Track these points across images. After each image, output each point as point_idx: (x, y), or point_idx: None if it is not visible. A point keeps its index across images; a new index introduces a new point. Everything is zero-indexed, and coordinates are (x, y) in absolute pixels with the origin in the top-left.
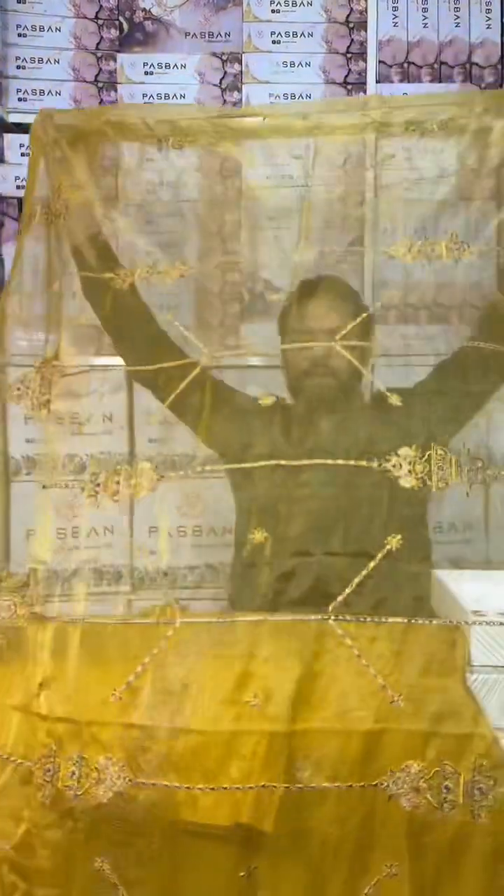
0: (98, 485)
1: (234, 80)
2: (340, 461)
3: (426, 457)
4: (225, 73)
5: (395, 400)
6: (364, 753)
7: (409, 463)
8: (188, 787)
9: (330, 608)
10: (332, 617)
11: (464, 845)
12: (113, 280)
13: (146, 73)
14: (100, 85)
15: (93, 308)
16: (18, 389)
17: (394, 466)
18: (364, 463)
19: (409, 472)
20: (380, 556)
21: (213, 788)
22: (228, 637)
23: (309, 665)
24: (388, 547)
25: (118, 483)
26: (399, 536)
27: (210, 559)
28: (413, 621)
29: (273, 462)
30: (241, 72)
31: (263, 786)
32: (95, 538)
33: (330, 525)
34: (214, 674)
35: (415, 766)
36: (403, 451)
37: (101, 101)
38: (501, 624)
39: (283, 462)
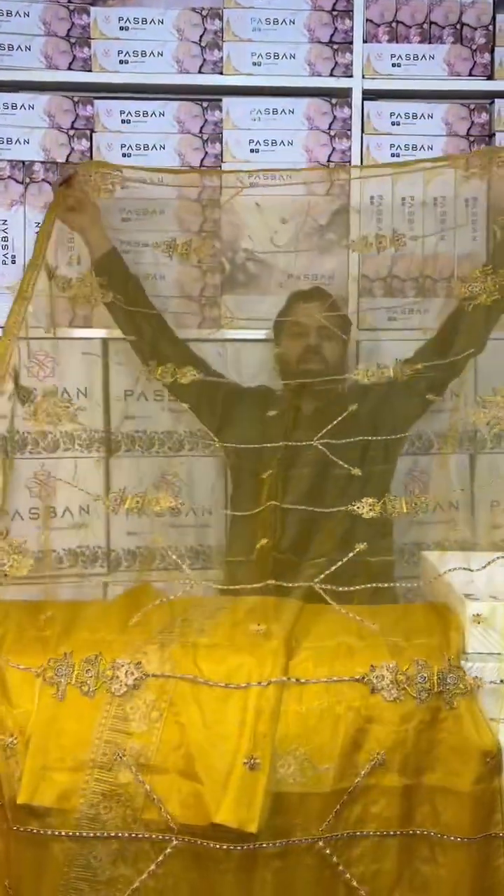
0: None
1: (215, 37)
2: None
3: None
4: (205, 29)
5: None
6: (348, 656)
7: None
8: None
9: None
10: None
11: (439, 730)
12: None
13: (121, 27)
14: (72, 40)
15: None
16: None
17: None
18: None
19: None
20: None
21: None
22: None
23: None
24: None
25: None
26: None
27: (190, 541)
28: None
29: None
30: (222, 28)
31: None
32: (70, 518)
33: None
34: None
35: (394, 662)
36: None
37: (73, 58)
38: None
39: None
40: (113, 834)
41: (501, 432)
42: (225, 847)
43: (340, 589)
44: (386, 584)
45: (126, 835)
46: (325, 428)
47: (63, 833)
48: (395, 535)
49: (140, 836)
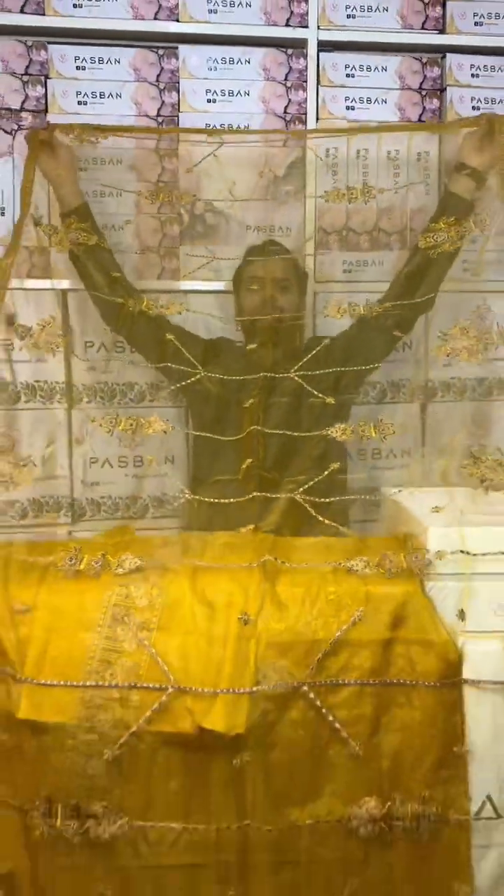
0: None
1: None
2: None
3: None
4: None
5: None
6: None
7: None
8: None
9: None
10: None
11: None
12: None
13: None
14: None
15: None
16: None
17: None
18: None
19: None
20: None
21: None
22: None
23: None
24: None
25: None
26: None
27: (153, 490)
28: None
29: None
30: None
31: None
32: (33, 469)
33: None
34: None
35: (367, 557)
36: None
37: (26, 1)
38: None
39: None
40: (117, 684)
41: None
42: (219, 691)
43: (318, 500)
44: (355, 497)
45: (128, 684)
46: (302, 360)
47: (75, 683)
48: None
49: (141, 685)
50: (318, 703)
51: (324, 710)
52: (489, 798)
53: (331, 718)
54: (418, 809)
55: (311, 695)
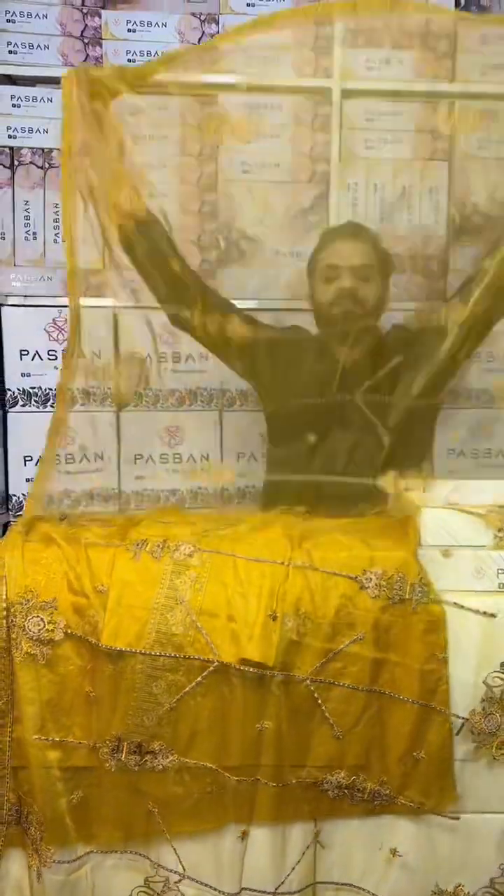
0: None
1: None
2: None
3: None
4: (203, 32)
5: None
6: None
7: None
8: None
9: None
10: None
11: (407, 623)
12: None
13: (129, 30)
14: (86, 40)
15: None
16: None
17: None
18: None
19: None
20: None
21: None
22: None
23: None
24: None
25: None
26: None
27: (189, 484)
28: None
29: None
30: (218, 32)
31: None
32: (87, 464)
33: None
34: None
35: (380, 570)
36: None
37: (86, 56)
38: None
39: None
40: (172, 654)
41: None
42: (249, 670)
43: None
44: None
45: (181, 656)
46: (366, 382)
47: (138, 651)
48: None
49: (191, 657)
50: (316, 695)
51: (319, 701)
52: None
53: (323, 708)
54: (375, 787)
55: (312, 688)
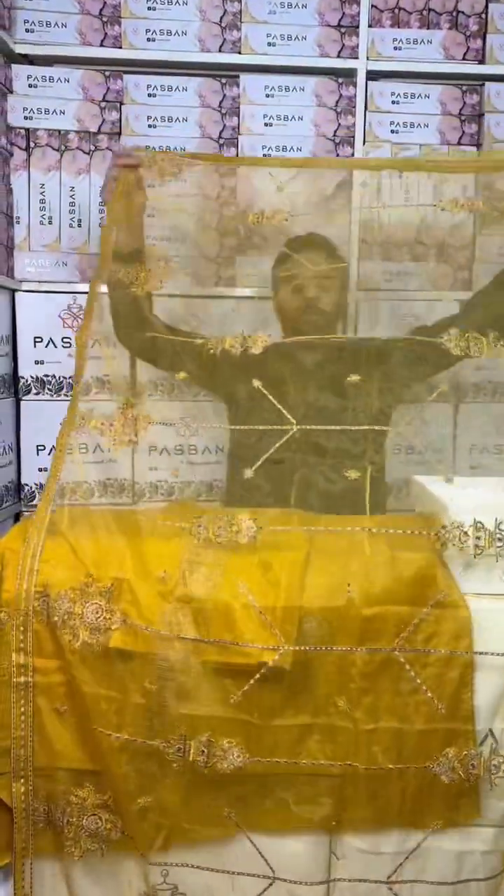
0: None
1: (234, 18)
2: None
3: None
4: (225, 10)
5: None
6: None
7: None
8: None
9: None
10: None
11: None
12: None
13: (149, 7)
14: (104, 18)
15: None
16: None
17: None
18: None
19: None
20: None
21: None
22: None
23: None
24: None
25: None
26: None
27: (204, 476)
28: None
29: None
30: (241, 11)
31: None
32: (101, 454)
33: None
34: None
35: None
36: None
37: (105, 35)
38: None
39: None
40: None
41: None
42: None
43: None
44: None
45: (247, 643)
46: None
47: (204, 639)
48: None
49: (255, 646)
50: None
51: (407, 667)
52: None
53: (412, 674)
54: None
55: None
